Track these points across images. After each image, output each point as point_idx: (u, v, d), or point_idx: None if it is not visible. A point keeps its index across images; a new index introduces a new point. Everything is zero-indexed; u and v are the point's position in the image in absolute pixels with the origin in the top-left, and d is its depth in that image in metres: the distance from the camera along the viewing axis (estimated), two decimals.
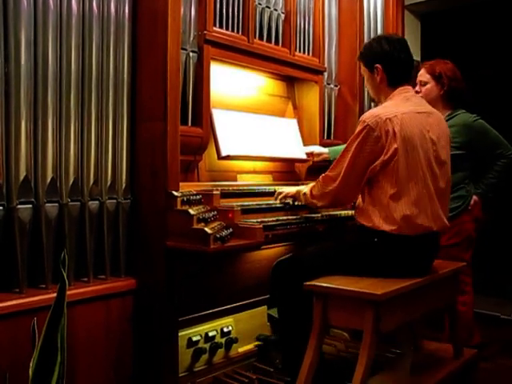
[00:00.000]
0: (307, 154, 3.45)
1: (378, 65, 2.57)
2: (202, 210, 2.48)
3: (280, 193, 2.87)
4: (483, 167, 3.38)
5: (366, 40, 4.08)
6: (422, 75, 3.40)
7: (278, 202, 2.87)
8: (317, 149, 3.47)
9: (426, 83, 3.36)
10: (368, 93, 4.07)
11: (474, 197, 3.32)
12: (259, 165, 3.32)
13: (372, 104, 4.12)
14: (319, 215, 2.99)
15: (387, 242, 2.43)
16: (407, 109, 2.47)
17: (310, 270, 2.46)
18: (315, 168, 3.54)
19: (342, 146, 3.43)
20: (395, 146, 2.37)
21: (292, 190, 2.83)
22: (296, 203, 2.86)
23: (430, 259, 2.60)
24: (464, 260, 3.12)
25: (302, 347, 2.37)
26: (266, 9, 3.24)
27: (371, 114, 2.45)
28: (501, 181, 3.34)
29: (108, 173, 2.60)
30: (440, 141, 2.54)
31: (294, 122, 3.50)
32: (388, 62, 2.56)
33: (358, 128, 2.45)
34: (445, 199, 2.57)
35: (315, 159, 3.45)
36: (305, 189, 2.71)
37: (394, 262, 2.44)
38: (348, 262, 2.50)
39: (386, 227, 2.40)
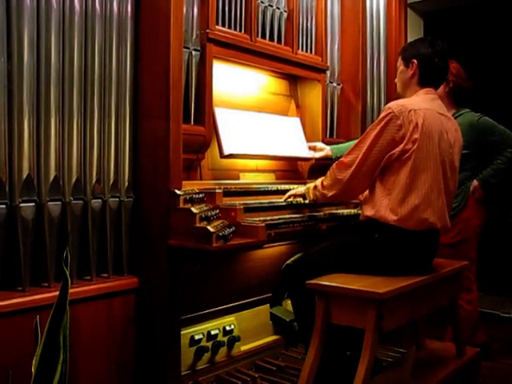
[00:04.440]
0: (310, 147, 3.45)
1: (414, 60, 2.60)
2: (205, 208, 2.48)
3: (290, 194, 2.88)
4: (490, 162, 3.39)
5: (368, 38, 4.09)
6: None
7: (284, 202, 2.88)
8: (320, 144, 3.47)
9: None
10: (370, 91, 4.09)
11: (474, 181, 3.33)
12: (262, 163, 3.32)
13: (374, 102, 4.13)
14: (322, 214, 2.99)
15: (388, 238, 2.43)
16: (430, 106, 2.50)
17: (315, 269, 2.46)
18: (318, 167, 3.54)
19: (345, 144, 3.44)
20: (416, 136, 2.39)
21: (300, 189, 2.84)
22: (300, 201, 2.87)
23: (430, 256, 2.61)
24: (470, 257, 3.12)
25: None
26: (269, 7, 3.23)
27: (397, 103, 2.47)
28: (507, 168, 3.34)
29: (110, 171, 2.61)
30: (455, 146, 2.58)
31: (297, 121, 3.50)
32: (425, 62, 2.59)
33: (382, 114, 2.46)
34: (450, 200, 2.60)
35: (317, 155, 3.44)
36: (315, 182, 2.70)
37: (394, 257, 2.45)
38: (350, 259, 2.50)
39: (392, 217, 2.40)
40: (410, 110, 2.42)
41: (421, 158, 2.40)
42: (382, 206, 2.44)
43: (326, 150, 3.43)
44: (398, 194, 2.41)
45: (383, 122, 2.42)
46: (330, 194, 2.60)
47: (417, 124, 2.39)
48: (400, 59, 2.71)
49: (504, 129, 3.34)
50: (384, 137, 2.42)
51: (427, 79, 2.61)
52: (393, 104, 2.47)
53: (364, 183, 2.52)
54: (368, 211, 2.51)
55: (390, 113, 2.42)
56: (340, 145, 3.48)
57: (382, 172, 2.47)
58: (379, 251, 2.46)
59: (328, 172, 2.61)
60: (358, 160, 2.46)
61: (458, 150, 2.61)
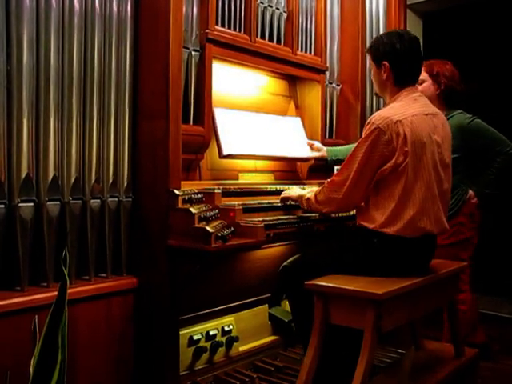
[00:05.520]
0: (307, 143, 3.42)
1: (385, 62, 2.50)
2: (204, 208, 2.48)
3: (284, 197, 2.85)
4: (483, 166, 3.38)
5: (368, 39, 4.07)
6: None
7: (280, 203, 2.87)
8: (317, 144, 3.44)
9: (423, 81, 3.33)
10: (370, 92, 4.09)
11: (470, 191, 3.33)
12: (261, 164, 3.32)
13: (374, 103, 4.12)
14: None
15: (386, 243, 2.42)
16: (416, 110, 2.43)
17: (312, 271, 2.46)
18: (317, 167, 3.55)
19: (341, 148, 3.43)
20: (406, 149, 2.33)
21: (294, 193, 2.80)
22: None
23: (427, 260, 2.61)
24: (462, 259, 3.12)
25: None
26: (268, 8, 3.23)
27: (381, 116, 2.38)
28: (499, 177, 3.34)
29: (110, 171, 2.61)
30: (444, 143, 2.52)
31: (297, 120, 3.49)
32: (396, 61, 2.49)
33: (367, 130, 2.38)
34: (446, 201, 2.57)
35: (313, 155, 3.40)
36: (308, 193, 2.66)
37: (393, 262, 2.44)
38: (348, 262, 2.49)
39: (389, 229, 2.39)
40: (396, 122, 2.34)
41: (413, 169, 2.36)
42: (377, 221, 2.42)
43: (322, 151, 3.40)
44: (392, 209, 2.38)
45: (370, 139, 2.36)
46: (325, 210, 2.60)
47: (405, 136, 2.33)
48: (370, 58, 2.60)
49: (495, 132, 3.32)
50: (374, 154, 2.36)
51: (403, 79, 2.51)
52: (376, 118, 2.38)
53: (358, 198, 2.48)
54: (364, 222, 2.49)
55: (375, 128, 2.35)
56: (336, 147, 3.47)
57: (375, 187, 2.43)
58: (377, 255, 2.45)
59: (321, 188, 2.58)
60: (349, 179, 2.42)
61: (447, 145, 2.55)
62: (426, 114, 2.47)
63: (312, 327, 2.36)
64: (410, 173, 2.36)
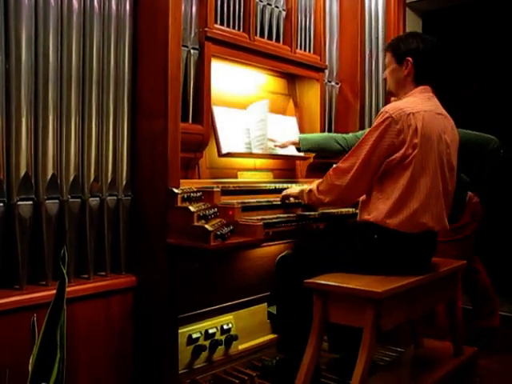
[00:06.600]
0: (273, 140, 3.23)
1: (409, 58, 2.52)
2: (203, 207, 2.48)
3: (285, 195, 2.84)
4: (476, 166, 3.41)
5: (367, 37, 4.08)
6: None
7: (280, 202, 2.86)
8: (289, 143, 3.29)
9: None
10: (369, 90, 4.09)
11: (469, 193, 3.36)
12: (260, 162, 3.32)
13: (373, 101, 4.12)
14: (320, 213, 2.99)
15: (387, 239, 2.42)
16: (428, 108, 2.45)
17: (311, 267, 2.46)
18: (316, 165, 3.55)
19: (314, 136, 3.36)
20: (416, 141, 2.34)
21: (295, 190, 2.79)
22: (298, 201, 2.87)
23: (427, 257, 2.60)
24: (453, 255, 3.14)
25: (303, 344, 2.37)
26: (267, 6, 3.23)
27: (394, 107, 2.41)
28: (493, 173, 3.37)
29: (108, 169, 2.60)
30: (452, 145, 2.54)
31: (293, 120, 3.49)
32: (420, 59, 2.52)
33: (379, 119, 2.39)
34: (449, 202, 2.56)
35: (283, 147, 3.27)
36: (310, 186, 2.64)
37: (393, 258, 2.44)
38: (347, 258, 2.49)
39: (390, 222, 2.38)
40: (409, 114, 2.36)
41: (420, 162, 2.36)
42: (380, 211, 2.41)
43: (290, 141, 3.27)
44: (396, 199, 2.37)
45: (382, 128, 2.37)
46: (327, 199, 2.55)
47: (416, 128, 2.35)
48: (390, 56, 2.61)
49: (478, 134, 3.36)
50: (383, 142, 2.36)
51: (423, 77, 2.55)
52: (390, 108, 2.41)
53: (362, 188, 2.48)
54: (365, 216, 2.48)
55: (387, 117, 2.36)
56: (307, 134, 3.36)
57: (380, 176, 2.43)
58: (377, 251, 2.45)
59: (324, 177, 2.56)
60: (356, 166, 2.41)
61: (455, 148, 2.57)
62: (438, 113, 2.50)
63: (295, 321, 2.39)
64: (417, 165, 2.36)
